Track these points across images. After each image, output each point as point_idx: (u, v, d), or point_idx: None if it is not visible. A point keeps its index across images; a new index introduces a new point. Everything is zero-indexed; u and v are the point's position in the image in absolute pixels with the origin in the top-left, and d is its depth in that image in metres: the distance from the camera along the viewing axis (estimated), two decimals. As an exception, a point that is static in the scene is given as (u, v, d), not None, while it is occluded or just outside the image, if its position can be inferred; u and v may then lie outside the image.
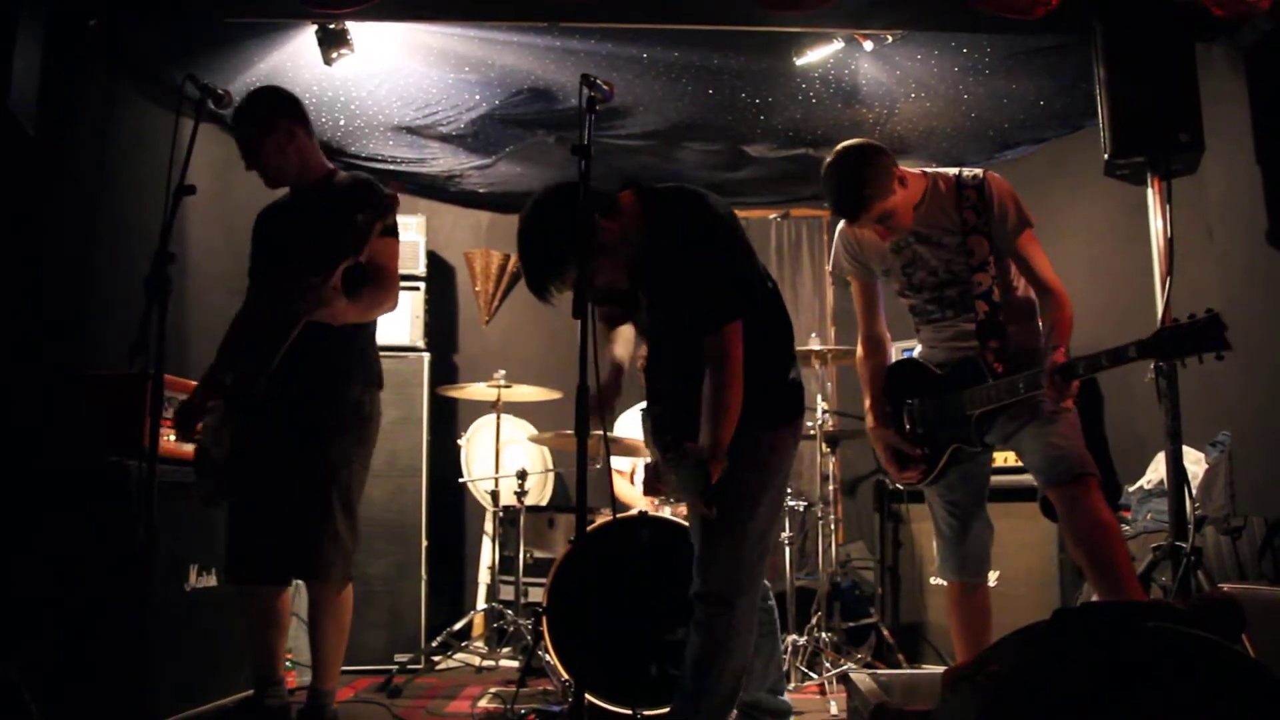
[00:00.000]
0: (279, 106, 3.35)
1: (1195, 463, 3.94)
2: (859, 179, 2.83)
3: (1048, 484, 2.77)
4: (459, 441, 5.48)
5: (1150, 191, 3.63)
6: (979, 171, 2.96)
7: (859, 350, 3.26)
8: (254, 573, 3.18)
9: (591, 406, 2.29)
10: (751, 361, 2.66)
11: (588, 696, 3.45)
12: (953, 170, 3.00)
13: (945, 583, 3.16)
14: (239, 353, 3.22)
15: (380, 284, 3.22)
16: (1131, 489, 4.23)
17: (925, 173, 3.00)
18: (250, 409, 3.10)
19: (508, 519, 4.97)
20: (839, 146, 2.93)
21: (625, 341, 3.03)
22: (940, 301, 3.02)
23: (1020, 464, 4.30)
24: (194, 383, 3.33)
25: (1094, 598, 2.82)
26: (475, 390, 4.96)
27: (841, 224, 3.15)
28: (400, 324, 5.15)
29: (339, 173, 3.38)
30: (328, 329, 3.13)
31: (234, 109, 3.20)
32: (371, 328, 3.39)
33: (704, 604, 2.67)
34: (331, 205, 3.17)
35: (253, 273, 3.41)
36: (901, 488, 3.25)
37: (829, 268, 3.26)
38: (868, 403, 3.19)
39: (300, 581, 3.46)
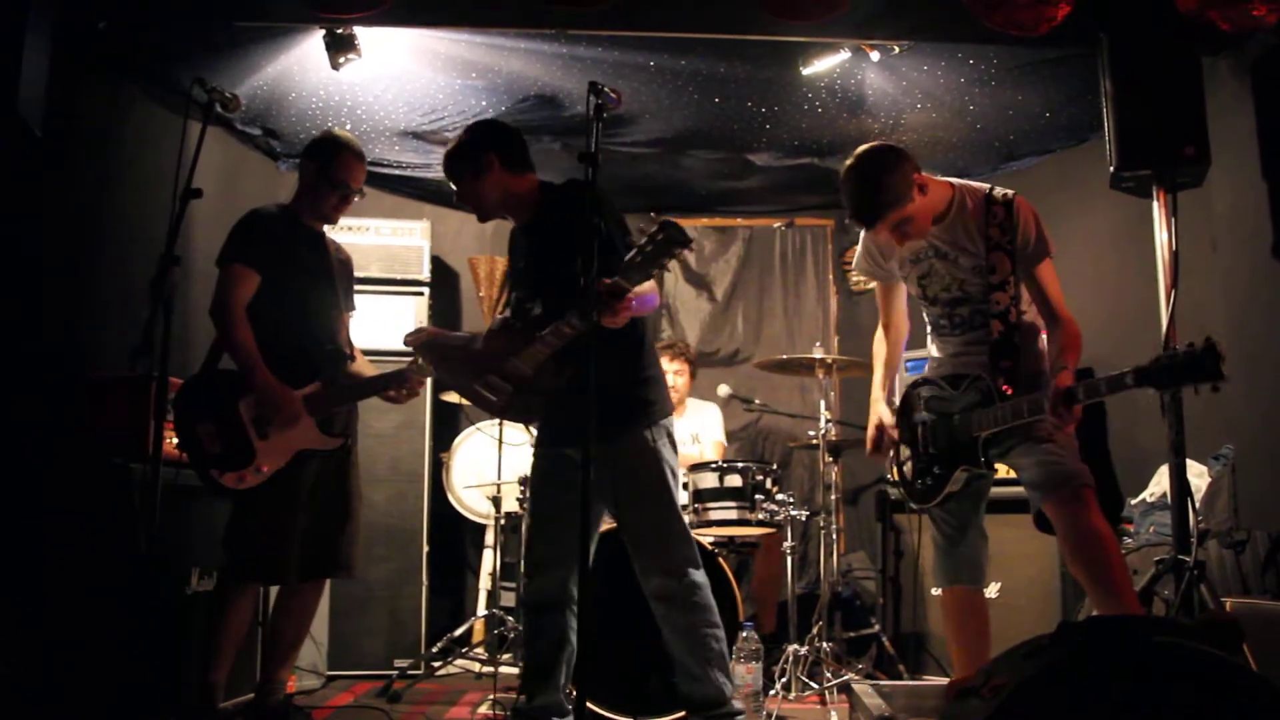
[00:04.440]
0: None
1: (1198, 476, 3.93)
2: (876, 186, 2.82)
3: (1043, 497, 2.77)
4: (441, 456, 5.46)
5: (1155, 204, 3.62)
6: (1010, 191, 2.97)
7: (878, 333, 3.36)
8: (322, 568, 3.42)
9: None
10: (616, 368, 2.92)
11: (588, 704, 3.44)
12: (983, 186, 3.01)
13: (940, 591, 3.16)
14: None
15: None
16: (1134, 502, 4.22)
17: (953, 184, 3.00)
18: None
19: (509, 525, 4.97)
20: (859, 150, 2.92)
21: None
22: (951, 319, 3.06)
23: (1023, 475, 4.33)
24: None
25: (1094, 611, 2.81)
26: (478, 396, 4.96)
27: None
28: (404, 329, 5.13)
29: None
30: None
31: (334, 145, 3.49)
32: None
33: (679, 577, 3.04)
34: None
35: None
36: (912, 505, 3.25)
37: (852, 273, 3.32)
38: (875, 380, 3.29)
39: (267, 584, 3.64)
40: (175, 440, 3.19)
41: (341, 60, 4.16)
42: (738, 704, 3.12)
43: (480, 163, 3.11)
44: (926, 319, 3.18)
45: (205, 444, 3.18)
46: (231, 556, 3.23)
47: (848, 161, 2.92)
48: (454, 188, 3.19)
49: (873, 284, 3.29)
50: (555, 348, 2.95)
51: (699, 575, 3.08)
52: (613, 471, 3.01)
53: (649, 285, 2.92)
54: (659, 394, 3.17)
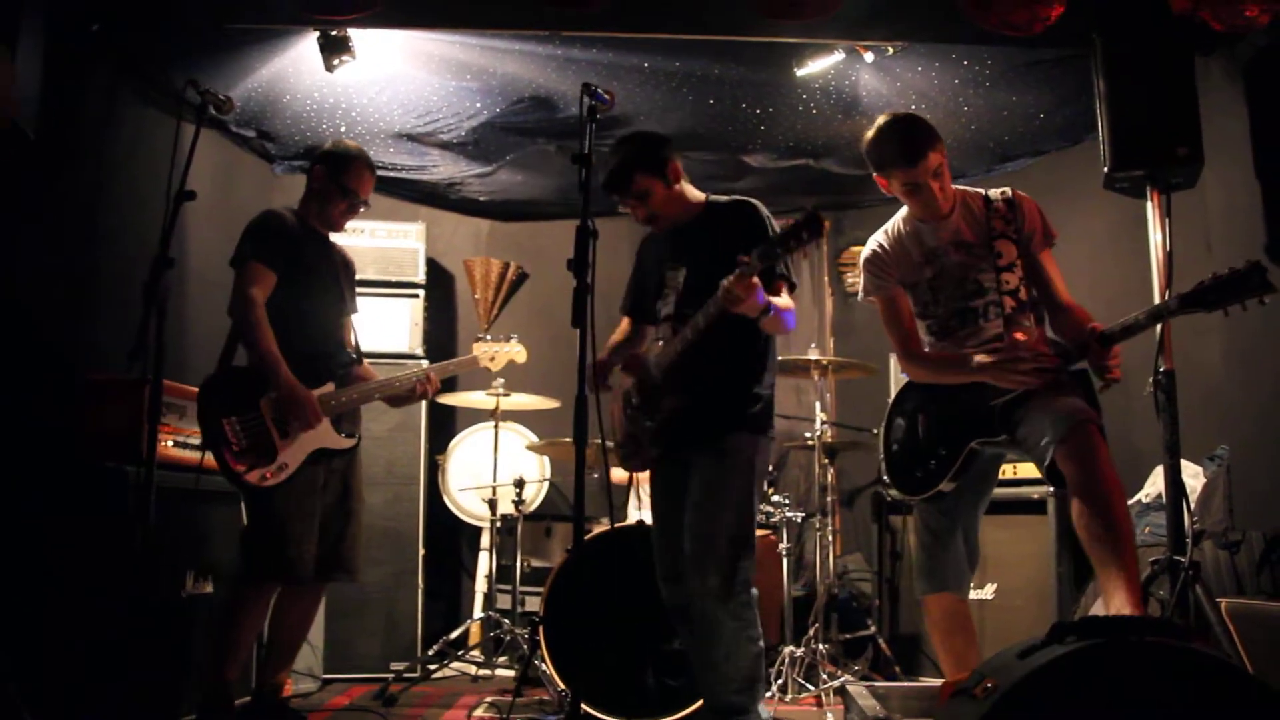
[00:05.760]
0: None
1: (1193, 476, 3.93)
2: (918, 123, 2.98)
3: (1054, 444, 2.66)
4: (436, 458, 5.46)
5: (1149, 205, 3.63)
6: (1006, 189, 3.08)
7: (908, 353, 3.14)
8: (328, 571, 3.41)
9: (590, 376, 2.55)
10: (744, 370, 2.96)
11: (584, 706, 3.44)
12: (979, 190, 3.10)
13: (924, 598, 3.10)
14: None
15: None
16: (1130, 502, 4.22)
17: (954, 189, 3.09)
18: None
19: (505, 528, 4.96)
20: (880, 117, 3.06)
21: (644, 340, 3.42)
22: (963, 314, 3.03)
23: (1018, 476, 4.33)
24: (194, 388, 3.35)
25: (1093, 609, 2.81)
26: (473, 399, 4.96)
27: (869, 244, 3.19)
28: (399, 331, 5.15)
29: None
30: None
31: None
32: None
33: (726, 587, 2.92)
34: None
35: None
36: (901, 498, 3.21)
37: (860, 294, 3.26)
38: (949, 365, 3.04)
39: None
40: (196, 439, 3.23)
41: (336, 62, 4.16)
42: (765, 711, 3.03)
43: (674, 171, 3.18)
44: (930, 328, 3.11)
45: (231, 440, 3.19)
46: (250, 556, 3.25)
47: (873, 128, 3.03)
48: (639, 186, 3.16)
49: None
50: (685, 346, 2.99)
51: (747, 591, 2.99)
52: (694, 473, 3.05)
53: (786, 302, 3.03)
54: (754, 410, 3.10)
